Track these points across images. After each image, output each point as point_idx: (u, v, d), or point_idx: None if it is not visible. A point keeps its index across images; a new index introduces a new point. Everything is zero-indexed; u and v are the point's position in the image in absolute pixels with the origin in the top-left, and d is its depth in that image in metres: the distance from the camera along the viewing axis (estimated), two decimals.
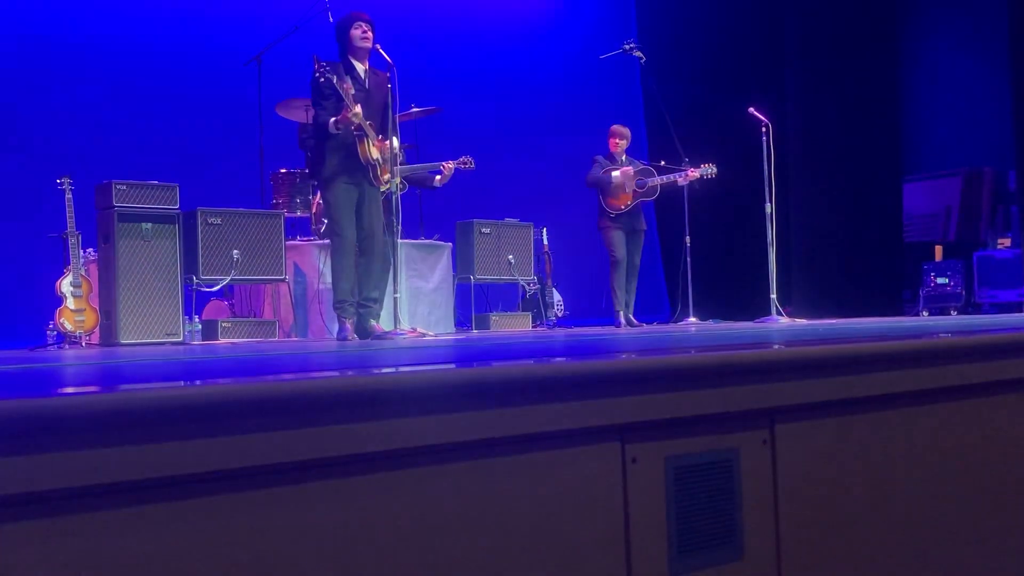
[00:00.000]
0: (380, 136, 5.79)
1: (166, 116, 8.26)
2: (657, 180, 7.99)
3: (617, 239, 7.95)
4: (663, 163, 8.16)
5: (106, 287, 6.10)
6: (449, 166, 7.45)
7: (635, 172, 7.99)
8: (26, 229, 7.20)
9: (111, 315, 6.00)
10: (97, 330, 6.16)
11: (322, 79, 5.58)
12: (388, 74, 5.85)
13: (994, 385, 2.61)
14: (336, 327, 6.09)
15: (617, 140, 8.10)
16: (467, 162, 7.49)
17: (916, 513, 2.42)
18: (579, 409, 1.85)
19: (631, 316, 8.00)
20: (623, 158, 8.09)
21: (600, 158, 8.07)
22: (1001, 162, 11.05)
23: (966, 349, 2.55)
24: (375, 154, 5.73)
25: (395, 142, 5.87)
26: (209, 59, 8.49)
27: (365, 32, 5.82)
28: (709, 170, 7.97)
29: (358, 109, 5.59)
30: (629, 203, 7.93)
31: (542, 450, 1.82)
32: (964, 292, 10.14)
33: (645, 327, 7.79)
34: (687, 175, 7.98)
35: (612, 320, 8.05)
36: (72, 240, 6.12)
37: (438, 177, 7.57)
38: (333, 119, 5.62)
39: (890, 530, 2.36)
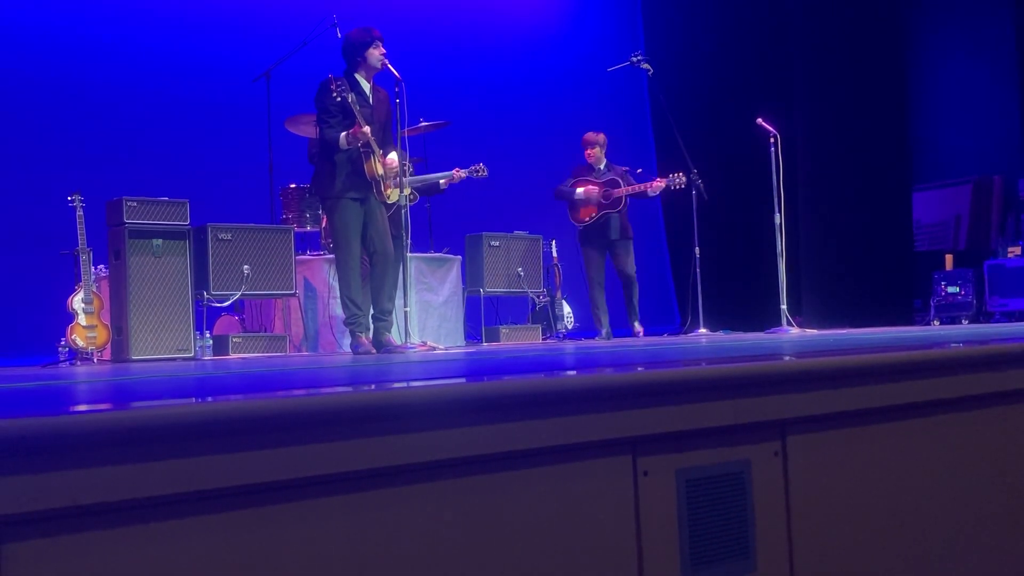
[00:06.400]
0: (381, 151, 5.84)
1: (176, 133, 8.29)
2: (621, 191, 7.88)
3: (590, 256, 7.92)
4: (639, 171, 8.11)
5: (117, 303, 6.12)
6: (460, 173, 7.43)
7: (603, 184, 7.91)
8: (37, 246, 7.22)
9: (122, 331, 6.02)
10: (109, 346, 6.18)
11: (339, 99, 5.61)
12: (387, 92, 5.97)
13: (1007, 395, 2.60)
14: (347, 341, 6.09)
15: (589, 151, 8.03)
16: (479, 170, 7.44)
17: (929, 524, 2.41)
18: (590, 422, 1.84)
19: (638, 327, 7.95)
20: (601, 166, 8.03)
21: (579, 169, 8.04)
22: (1011, 170, 11.02)
23: (978, 359, 2.54)
24: (380, 170, 5.76)
25: (394, 156, 5.90)
26: (218, 75, 8.52)
27: (383, 52, 5.86)
28: (677, 180, 7.86)
29: (367, 128, 5.63)
30: (594, 215, 7.86)
31: (553, 463, 1.82)
32: (975, 301, 10.09)
33: (654, 338, 7.77)
34: (654, 185, 7.88)
35: (626, 332, 8.02)
36: (83, 257, 6.14)
37: (443, 180, 7.54)
38: (345, 134, 5.65)
39: (903, 541, 2.35)
